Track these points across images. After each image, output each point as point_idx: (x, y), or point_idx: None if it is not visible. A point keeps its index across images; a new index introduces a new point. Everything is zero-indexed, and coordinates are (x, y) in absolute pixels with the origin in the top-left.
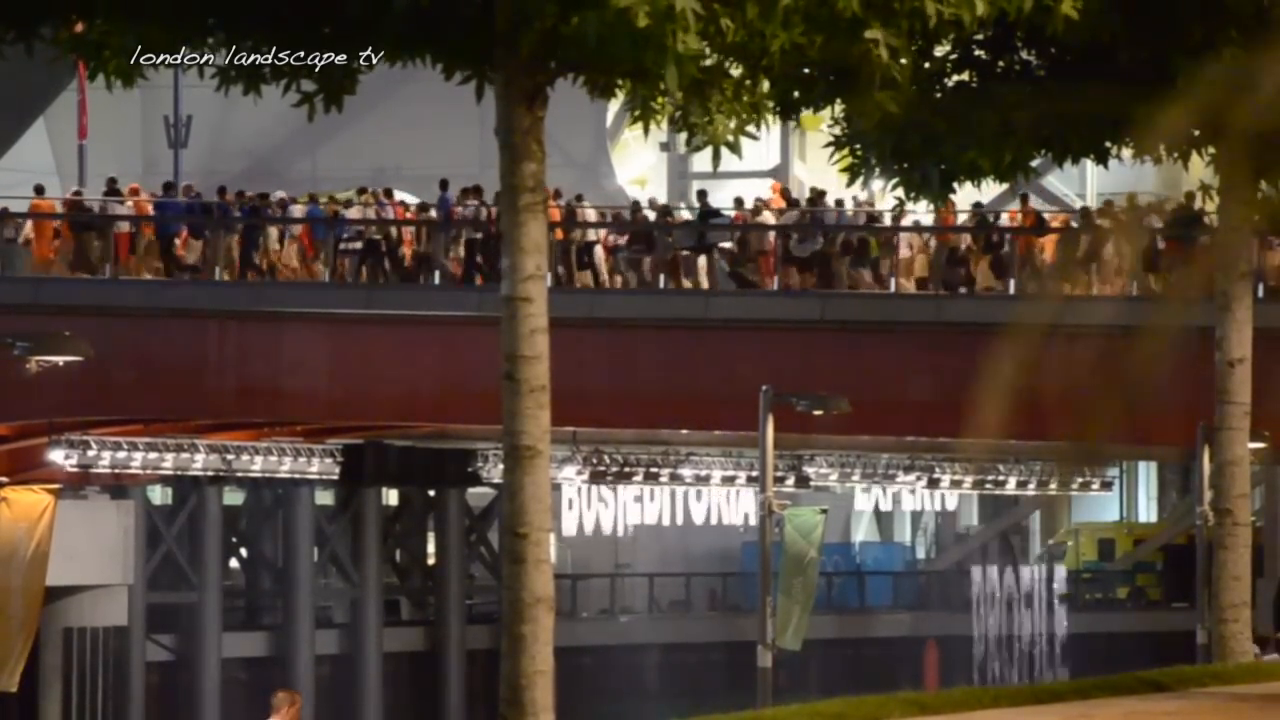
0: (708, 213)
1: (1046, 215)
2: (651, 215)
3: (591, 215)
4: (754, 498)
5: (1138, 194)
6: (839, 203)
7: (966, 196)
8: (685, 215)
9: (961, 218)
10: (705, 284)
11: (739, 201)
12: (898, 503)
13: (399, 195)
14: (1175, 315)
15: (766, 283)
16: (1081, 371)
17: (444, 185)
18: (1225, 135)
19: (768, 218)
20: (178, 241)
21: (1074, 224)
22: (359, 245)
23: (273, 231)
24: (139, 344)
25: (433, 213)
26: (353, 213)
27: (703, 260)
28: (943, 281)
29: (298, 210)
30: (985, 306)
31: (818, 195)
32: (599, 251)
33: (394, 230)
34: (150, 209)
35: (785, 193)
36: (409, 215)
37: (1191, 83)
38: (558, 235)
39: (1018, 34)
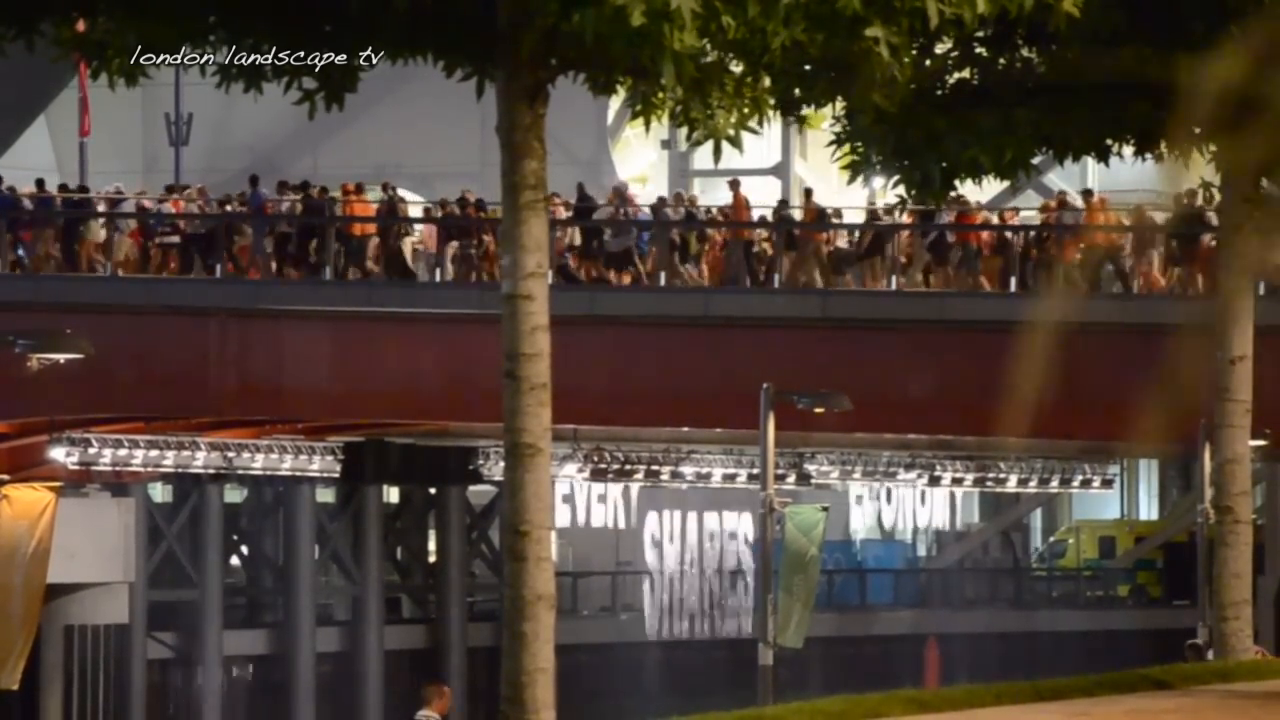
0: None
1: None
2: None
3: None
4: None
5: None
6: (661, 200)
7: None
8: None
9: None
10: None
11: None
12: (899, 500)
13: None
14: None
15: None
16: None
17: (254, 182)
18: (1226, 133)
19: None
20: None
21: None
22: (176, 239)
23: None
24: (140, 341)
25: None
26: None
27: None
28: (733, 277)
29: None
30: (986, 305)
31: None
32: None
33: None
34: None
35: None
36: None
37: (1193, 81)
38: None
39: (1019, 31)
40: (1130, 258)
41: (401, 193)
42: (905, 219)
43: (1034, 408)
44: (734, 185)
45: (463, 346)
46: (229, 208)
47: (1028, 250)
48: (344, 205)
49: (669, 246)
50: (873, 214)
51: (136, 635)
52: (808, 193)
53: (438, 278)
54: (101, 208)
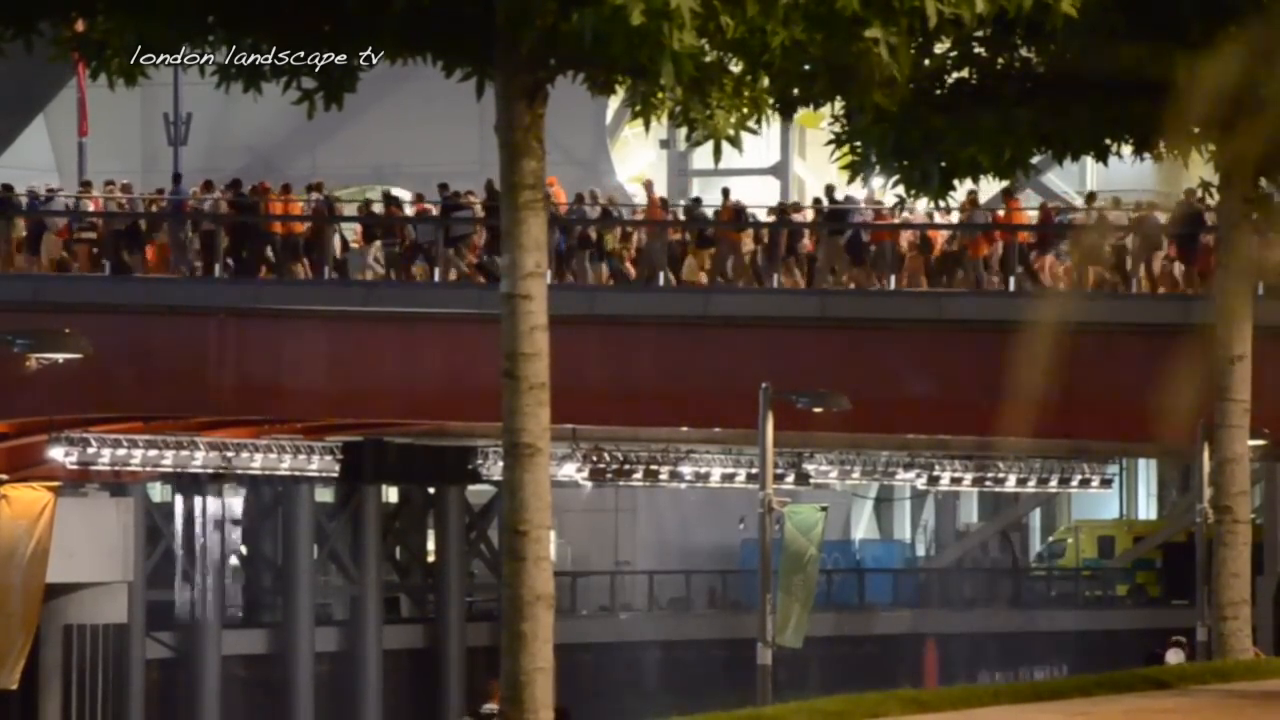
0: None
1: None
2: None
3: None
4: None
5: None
6: (579, 198)
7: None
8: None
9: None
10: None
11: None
12: (897, 500)
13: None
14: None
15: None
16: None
17: (177, 179)
18: (1225, 133)
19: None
20: None
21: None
22: (93, 236)
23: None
24: (139, 341)
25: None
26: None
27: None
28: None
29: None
30: (985, 304)
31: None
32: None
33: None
34: None
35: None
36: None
37: (1191, 80)
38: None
39: (1018, 31)
40: (1132, 256)
41: (399, 192)
42: (801, 217)
43: (1034, 408)
44: (648, 186)
45: (462, 346)
46: (156, 206)
47: (1025, 252)
48: (272, 205)
49: (580, 243)
50: (782, 211)
51: (135, 635)
52: (725, 192)
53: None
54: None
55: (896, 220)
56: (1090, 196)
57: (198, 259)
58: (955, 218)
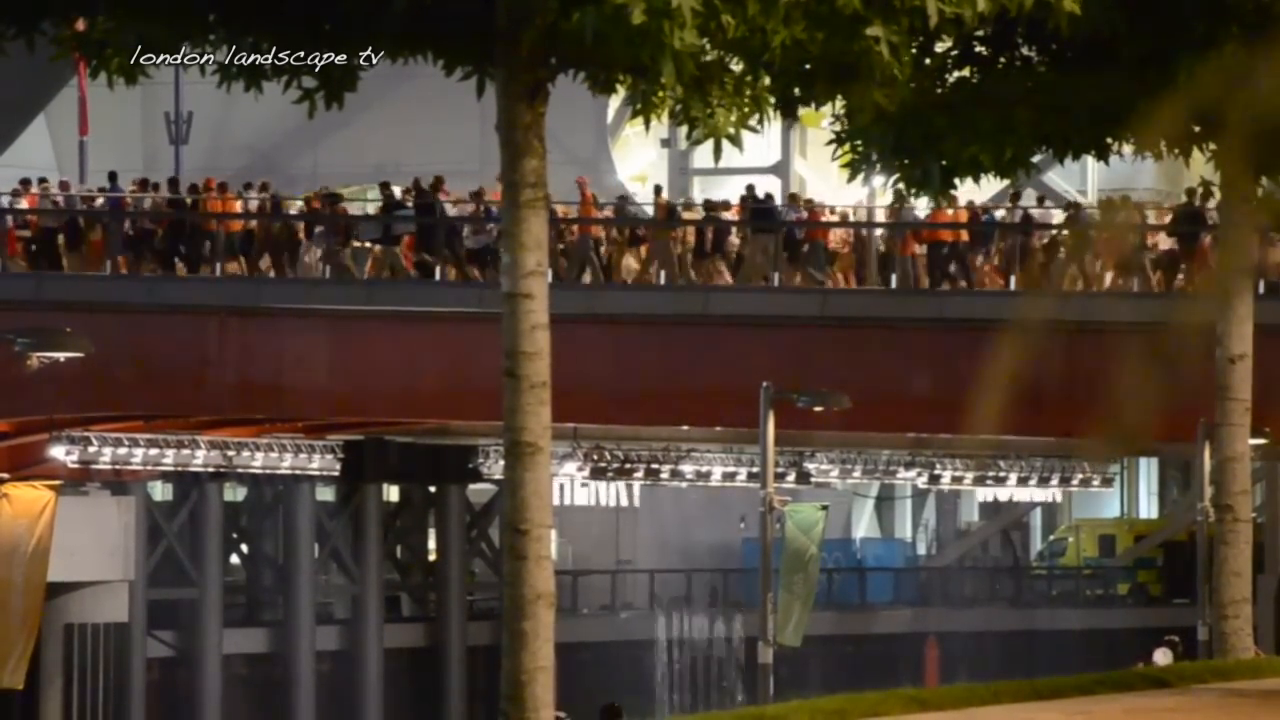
0: (393, 204)
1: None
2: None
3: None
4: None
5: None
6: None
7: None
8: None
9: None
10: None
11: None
12: (898, 499)
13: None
14: (1199, 311)
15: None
16: (1105, 365)
17: (112, 177)
18: (1226, 132)
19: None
20: None
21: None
22: (29, 234)
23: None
24: (140, 340)
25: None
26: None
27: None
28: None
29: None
30: (986, 303)
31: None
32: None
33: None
34: None
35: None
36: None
37: (1192, 79)
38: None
39: (1019, 30)
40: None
41: (397, 191)
42: (730, 215)
43: (1004, 405)
44: (580, 183)
45: (462, 345)
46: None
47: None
48: (210, 203)
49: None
50: (710, 208)
51: (136, 634)
52: (656, 189)
53: (436, 277)
54: None
55: (824, 219)
56: (1073, 205)
57: (129, 254)
58: (880, 216)
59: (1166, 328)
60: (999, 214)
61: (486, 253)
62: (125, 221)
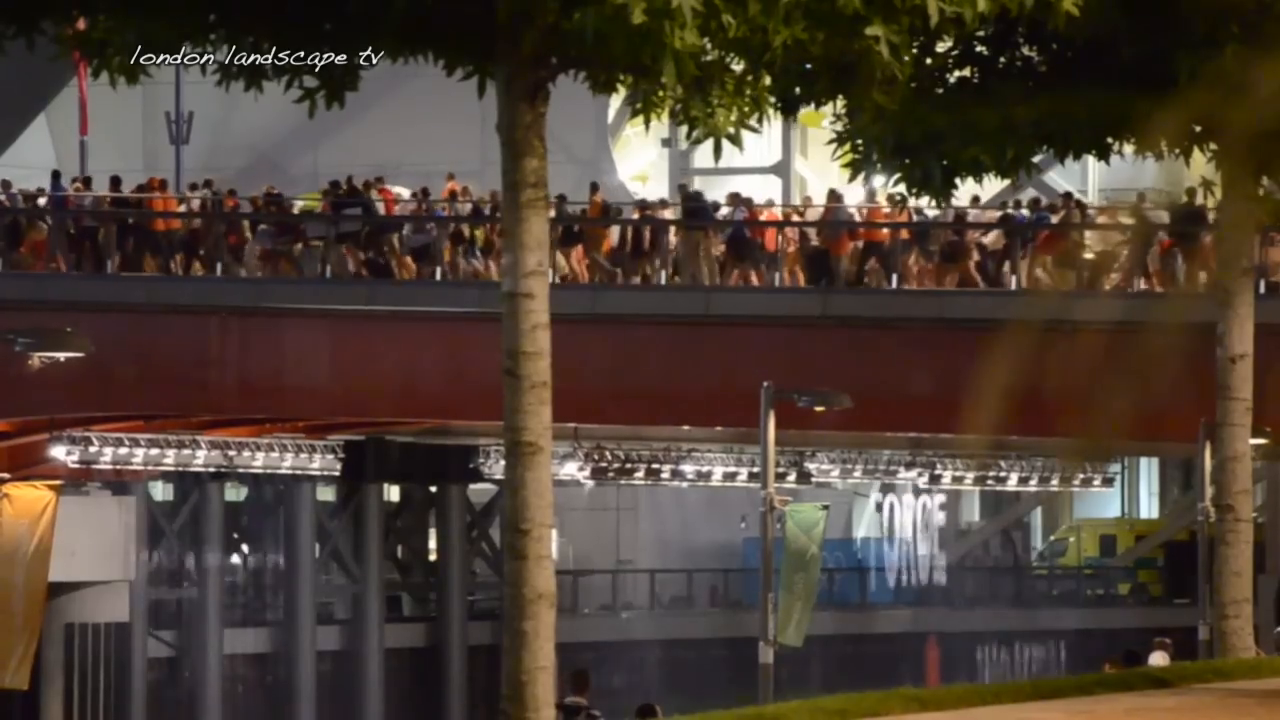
0: (340, 204)
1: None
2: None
3: None
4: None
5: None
6: (452, 195)
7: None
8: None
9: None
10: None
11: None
12: (899, 498)
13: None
14: (1182, 311)
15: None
16: (1087, 367)
17: (56, 176)
18: (1226, 131)
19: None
20: None
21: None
22: None
23: None
24: (140, 340)
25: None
26: None
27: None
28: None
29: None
30: (986, 303)
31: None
32: None
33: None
34: None
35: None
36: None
37: (1193, 79)
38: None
39: (1019, 30)
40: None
41: (398, 190)
42: (668, 215)
43: (1002, 407)
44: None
45: (463, 345)
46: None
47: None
48: (149, 202)
49: (453, 239)
50: (645, 207)
51: (137, 633)
52: (593, 186)
53: (437, 276)
54: None
55: (764, 218)
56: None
57: (71, 253)
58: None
59: (1146, 329)
60: (931, 214)
61: (425, 252)
62: (68, 221)
